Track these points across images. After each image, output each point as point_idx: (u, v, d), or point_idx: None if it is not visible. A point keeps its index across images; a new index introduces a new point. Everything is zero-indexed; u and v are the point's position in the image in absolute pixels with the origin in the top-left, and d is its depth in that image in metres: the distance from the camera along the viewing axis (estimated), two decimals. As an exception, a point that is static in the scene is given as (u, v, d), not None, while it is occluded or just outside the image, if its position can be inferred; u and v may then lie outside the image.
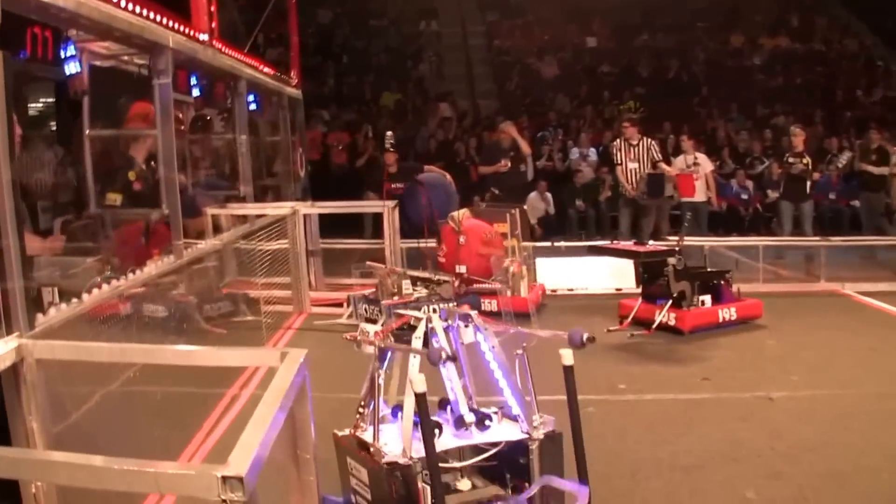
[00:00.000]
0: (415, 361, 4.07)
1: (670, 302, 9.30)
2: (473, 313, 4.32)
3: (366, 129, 19.01)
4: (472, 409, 4.30)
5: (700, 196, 14.67)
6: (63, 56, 5.85)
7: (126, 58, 7.93)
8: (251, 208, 10.48)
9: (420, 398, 3.81)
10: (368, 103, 21.87)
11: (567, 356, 4.05)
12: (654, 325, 9.25)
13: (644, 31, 25.09)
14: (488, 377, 4.32)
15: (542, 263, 11.72)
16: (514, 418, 4.31)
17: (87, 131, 7.77)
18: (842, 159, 16.17)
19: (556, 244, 12.99)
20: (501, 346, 4.27)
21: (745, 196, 17.67)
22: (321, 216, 11.83)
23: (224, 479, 2.45)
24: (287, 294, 10.38)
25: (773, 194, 16.48)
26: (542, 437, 4.19)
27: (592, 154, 18.29)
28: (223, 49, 9.18)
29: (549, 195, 17.08)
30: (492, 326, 4.35)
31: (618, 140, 13.53)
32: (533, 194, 16.32)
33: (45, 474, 2.78)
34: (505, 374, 4.25)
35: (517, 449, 4.22)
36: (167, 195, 7.35)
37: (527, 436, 4.20)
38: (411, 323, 4.32)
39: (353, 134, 19.35)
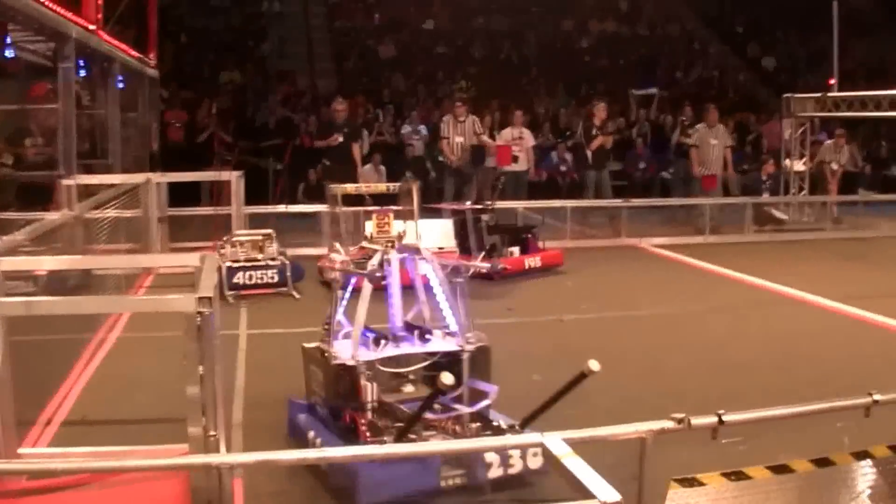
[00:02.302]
0: (369, 285, 5.44)
1: (483, 253, 11.34)
2: (424, 248, 5.79)
3: (208, 105, 19.91)
4: (417, 327, 5.57)
5: (522, 166, 16.90)
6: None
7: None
8: (112, 177, 11.54)
9: None
10: (207, 81, 22.70)
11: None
12: (469, 273, 11.60)
13: (480, 14, 27.19)
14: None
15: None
16: (454, 335, 5.54)
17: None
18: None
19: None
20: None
21: (563, 168, 20.11)
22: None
23: (200, 299, 3.74)
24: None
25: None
26: (472, 349, 5.39)
27: (423, 129, 20.36)
28: (106, 38, 11.15)
29: (382, 167, 18.77)
30: (437, 260, 5.77)
31: (447, 116, 16.01)
32: (367, 166, 17.89)
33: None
34: (447, 298, 5.56)
35: (455, 360, 5.36)
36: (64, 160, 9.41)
37: (460, 348, 5.41)
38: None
39: (190, 112, 20.00)
